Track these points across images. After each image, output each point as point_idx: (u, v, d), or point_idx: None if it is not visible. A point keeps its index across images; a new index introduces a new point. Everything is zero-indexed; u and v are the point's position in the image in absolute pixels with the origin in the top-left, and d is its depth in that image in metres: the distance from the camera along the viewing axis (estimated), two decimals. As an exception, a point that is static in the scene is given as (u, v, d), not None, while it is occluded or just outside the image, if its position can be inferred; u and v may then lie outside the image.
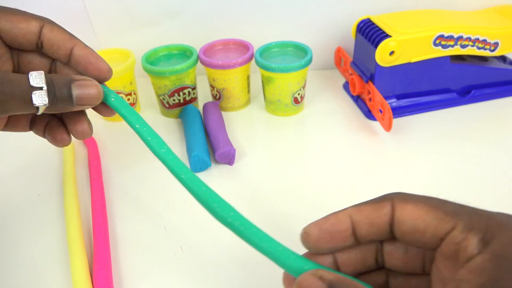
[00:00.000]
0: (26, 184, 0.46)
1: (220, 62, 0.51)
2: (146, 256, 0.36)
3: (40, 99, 0.27)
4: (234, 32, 0.60)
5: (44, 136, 0.34)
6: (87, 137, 0.34)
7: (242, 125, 0.54)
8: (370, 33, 0.50)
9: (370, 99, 0.51)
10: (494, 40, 0.50)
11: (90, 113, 0.55)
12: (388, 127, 0.47)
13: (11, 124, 0.34)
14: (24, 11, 0.32)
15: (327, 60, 0.65)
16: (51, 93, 0.28)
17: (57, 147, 0.51)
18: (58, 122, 0.34)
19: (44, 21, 0.32)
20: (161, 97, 0.55)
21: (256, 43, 0.55)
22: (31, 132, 0.34)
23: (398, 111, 0.52)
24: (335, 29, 0.61)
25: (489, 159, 0.45)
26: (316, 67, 0.66)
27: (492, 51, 0.51)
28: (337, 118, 0.54)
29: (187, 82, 0.54)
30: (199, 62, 0.54)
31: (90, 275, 0.34)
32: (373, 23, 0.51)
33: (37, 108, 0.28)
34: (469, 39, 0.48)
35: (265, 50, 0.55)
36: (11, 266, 0.36)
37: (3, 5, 0.31)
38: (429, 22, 0.49)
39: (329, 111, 0.55)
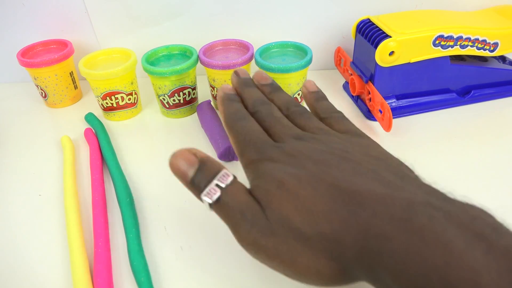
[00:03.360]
0: (26, 184, 0.46)
1: (220, 63, 0.51)
2: (147, 256, 0.36)
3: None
4: (234, 32, 0.60)
5: None
6: None
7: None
8: (369, 33, 0.50)
9: (370, 99, 0.51)
10: (494, 41, 0.50)
11: (92, 109, 0.56)
12: (387, 127, 0.48)
13: None
14: None
15: (327, 61, 0.65)
16: None
17: (57, 147, 0.51)
18: None
19: None
20: (161, 97, 0.55)
21: (256, 43, 0.55)
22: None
23: (397, 111, 0.52)
24: (335, 29, 0.61)
25: (488, 159, 0.45)
26: (316, 67, 0.66)
27: (492, 51, 0.51)
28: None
29: (187, 82, 0.54)
30: (199, 62, 0.54)
31: (90, 275, 0.34)
32: (373, 23, 0.51)
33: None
34: (468, 39, 0.48)
35: (265, 50, 0.55)
36: (11, 266, 0.36)
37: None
38: (429, 23, 0.49)
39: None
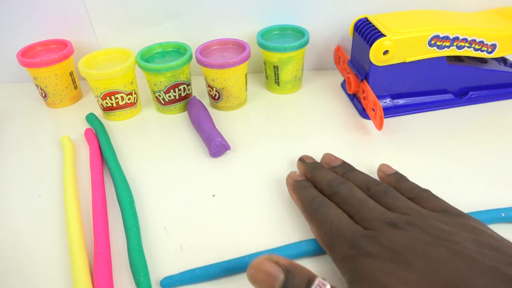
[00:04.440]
0: (26, 184, 0.46)
1: (220, 62, 0.51)
2: (146, 256, 0.36)
3: None
4: (232, 32, 0.60)
5: None
6: None
7: (243, 123, 0.55)
8: (366, 32, 0.50)
9: (364, 98, 0.52)
10: (492, 42, 0.50)
11: (92, 109, 0.56)
12: (379, 125, 0.48)
13: None
14: None
15: (327, 60, 0.65)
16: None
17: (57, 147, 0.51)
18: None
19: None
20: (156, 94, 0.55)
21: (253, 43, 0.56)
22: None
23: (392, 111, 0.52)
24: (335, 28, 0.62)
25: (482, 162, 0.45)
26: (316, 67, 0.66)
27: (490, 52, 0.51)
28: (332, 115, 0.54)
29: (182, 78, 0.54)
30: (194, 61, 0.54)
31: (90, 275, 0.34)
32: (370, 22, 0.51)
33: None
34: (465, 40, 0.48)
35: (266, 32, 0.59)
36: (11, 266, 0.36)
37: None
38: (425, 23, 0.49)
39: (325, 109, 0.56)
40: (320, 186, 0.36)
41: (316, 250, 0.34)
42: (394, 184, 0.37)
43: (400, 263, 0.25)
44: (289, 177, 0.39)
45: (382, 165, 0.40)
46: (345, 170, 0.38)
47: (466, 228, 0.28)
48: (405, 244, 0.26)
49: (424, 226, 0.28)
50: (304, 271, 0.26)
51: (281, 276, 0.25)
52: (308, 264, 0.34)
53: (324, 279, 0.25)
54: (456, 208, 0.32)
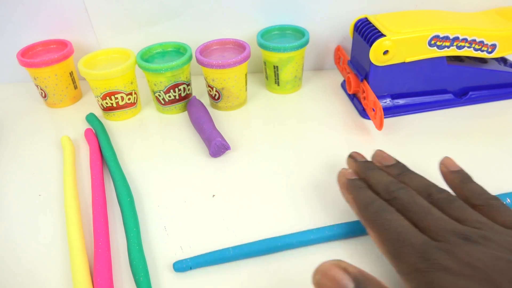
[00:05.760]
0: (26, 184, 0.46)
1: (220, 62, 0.51)
2: (146, 256, 0.36)
3: None
4: (232, 32, 0.60)
5: None
6: None
7: (243, 123, 0.55)
8: (366, 32, 0.50)
9: (364, 98, 0.52)
10: (492, 42, 0.50)
11: (92, 109, 0.56)
12: (379, 125, 0.48)
13: None
14: None
15: (327, 60, 0.65)
16: None
17: (57, 147, 0.51)
18: None
19: None
20: (156, 94, 0.55)
21: (253, 43, 0.56)
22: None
23: (392, 111, 0.52)
24: (335, 28, 0.62)
25: (481, 161, 0.45)
26: (316, 67, 0.66)
27: (490, 52, 0.51)
28: (332, 115, 0.54)
29: (182, 78, 0.54)
30: (194, 61, 0.55)
31: (90, 275, 0.34)
32: (370, 22, 0.51)
33: None
34: (465, 40, 0.48)
35: (266, 32, 0.59)
36: (11, 266, 0.36)
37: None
38: (425, 23, 0.49)
39: (325, 109, 0.56)
40: (375, 189, 0.34)
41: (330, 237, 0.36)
42: (458, 183, 0.34)
43: (484, 282, 0.23)
44: (341, 174, 0.37)
45: (446, 158, 0.36)
46: (400, 171, 0.36)
47: None
48: (487, 262, 0.24)
49: (501, 242, 0.25)
50: (375, 282, 0.24)
51: (350, 285, 0.23)
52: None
53: None
54: None
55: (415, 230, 0.28)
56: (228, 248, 0.35)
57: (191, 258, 0.35)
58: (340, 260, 0.25)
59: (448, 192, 0.32)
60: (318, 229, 0.36)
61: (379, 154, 0.39)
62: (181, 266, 0.34)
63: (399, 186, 0.33)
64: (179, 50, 0.57)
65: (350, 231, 0.36)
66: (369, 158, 0.40)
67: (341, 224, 0.37)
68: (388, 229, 0.29)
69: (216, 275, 0.34)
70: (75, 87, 0.61)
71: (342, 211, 0.39)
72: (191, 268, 0.34)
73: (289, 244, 0.36)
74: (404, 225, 0.29)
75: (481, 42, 0.49)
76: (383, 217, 0.30)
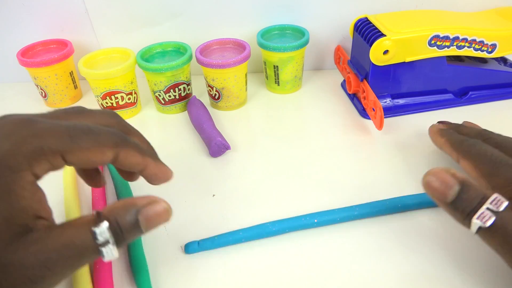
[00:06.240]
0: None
1: (220, 62, 0.51)
2: (147, 256, 0.36)
3: (109, 254, 0.25)
4: (232, 32, 0.60)
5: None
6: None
7: (243, 123, 0.55)
8: (366, 32, 0.50)
9: (364, 98, 0.52)
10: (492, 42, 0.50)
11: (91, 108, 0.56)
12: (379, 125, 0.48)
13: None
14: (98, 135, 0.28)
15: (327, 60, 0.65)
16: (119, 240, 0.26)
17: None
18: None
19: (119, 148, 0.29)
20: (156, 94, 0.55)
21: (253, 43, 0.56)
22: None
23: (392, 111, 0.52)
24: (335, 28, 0.62)
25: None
26: (316, 66, 0.66)
27: (490, 52, 0.51)
28: (332, 115, 0.54)
29: (182, 78, 0.54)
30: (194, 61, 0.55)
31: (90, 275, 0.34)
32: (370, 22, 0.51)
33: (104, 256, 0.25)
34: (465, 40, 0.48)
35: (266, 32, 0.59)
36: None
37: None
38: (425, 22, 0.49)
39: (325, 109, 0.56)
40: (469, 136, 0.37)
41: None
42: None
43: None
44: (433, 126, 0.41)
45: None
46: (486, 133, 0.38)
47: None
48: None
49: None
50: (479, 187, 0.27)
51: (456, 187, 0.27)
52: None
53: (505, 199, 0.26)
54: None
55: (510, 157, 0.31)
56: (237, 230, 0.37)
57: (201, 240, 0.36)
58: (449, 168, 0.29)
59: None
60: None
61: (466, 122, 0.42)
62: (193, 248, 0.36)
63: (490, 132, 0.37)
64: (179, 50, 0.57)
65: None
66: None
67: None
68: (484, 154, 0.32)
69: (222, 260, 0.35)
70: (75, 87, 0.61)
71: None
72: (200, 250, 0.36)
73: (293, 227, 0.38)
74: (499, 153, 0.32)
75: (481, 42, 0.49)
76: (479, 148, 0.33)
